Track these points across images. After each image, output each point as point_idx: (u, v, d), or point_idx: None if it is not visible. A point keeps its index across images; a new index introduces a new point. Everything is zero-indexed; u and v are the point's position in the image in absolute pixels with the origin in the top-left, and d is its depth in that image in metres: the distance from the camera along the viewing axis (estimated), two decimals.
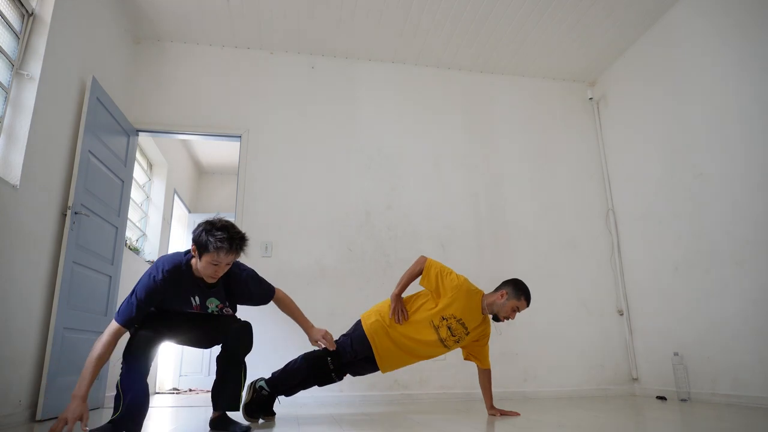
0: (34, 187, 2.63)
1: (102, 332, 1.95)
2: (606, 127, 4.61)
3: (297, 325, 2.46)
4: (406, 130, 4.36)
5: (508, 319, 2.62)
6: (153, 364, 2.14)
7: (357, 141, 4.24)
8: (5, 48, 2.60)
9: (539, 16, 3.94)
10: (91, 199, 3.12)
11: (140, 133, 3.96)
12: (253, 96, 4.18)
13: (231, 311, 2.28)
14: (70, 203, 2.89)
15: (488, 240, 4.22)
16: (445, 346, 2.62)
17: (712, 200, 3.42)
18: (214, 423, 2.22)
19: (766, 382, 2.97)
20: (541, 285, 3.96)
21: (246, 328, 2.30)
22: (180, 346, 4.88)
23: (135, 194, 4.49)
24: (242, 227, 2.16)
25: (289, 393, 2.64)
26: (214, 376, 2.29)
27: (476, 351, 2.74)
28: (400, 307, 2.62)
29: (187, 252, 2.08)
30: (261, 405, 2.52)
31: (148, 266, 3.97)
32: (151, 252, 4.71)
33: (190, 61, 4.18)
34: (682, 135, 3.71)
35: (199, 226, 2.00)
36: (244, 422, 2.30)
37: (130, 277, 3.70)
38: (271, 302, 2.38)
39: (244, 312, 2.54)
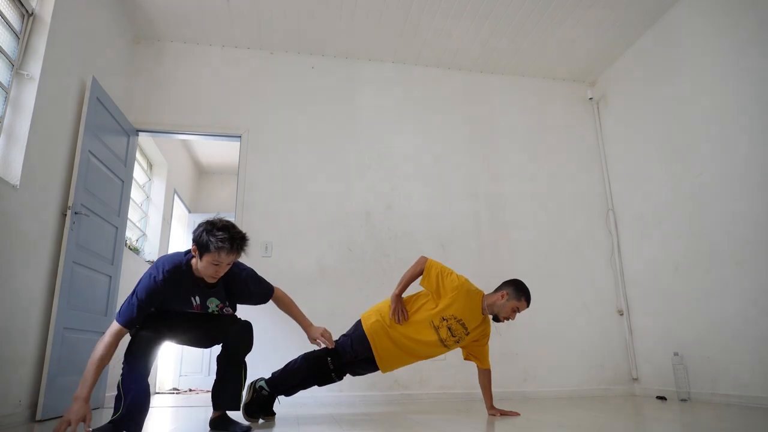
0: (34, 187, 2.63)
1: (102, 332, 1.95)
2: (606, 127, 4.61)
3: (297, 324, 2.46)
4: (406, 130, 4.36)
5: (508, 319, 2.62)
6: (153, 364, 2.14)
7: (357, 141, 4.24)
8: (5, 48, 2.60)
9: (539, 16, 3.94)
10: (91, 199, 3.12)
11: (140, 133, 3.96)
12: (253, 96, 4.18)
13: (231, 311, 2.29)
14: (70, 203, 2.88)
15: (488, 240, 4.22)
16: (445, 346, 2.62)
17: (712, 200, 3.42)
18: (214, 423, 2.22)
19: (766, 382, 2.97)
20: (541, 285, 3.96)
21: (246, 328, 2.30)
22: (180, 346, 4.89)
23: (135, 194, 4.48)
24: (242, 227, 2.16)
25: (289, 393, 2.64)
26: (214, 376, 2.29)
27: (476, 351, 2.74)
28: (400, 307, 2.62)
29: (187, 252, 2.08)
30: (261, 405, 2.52)
31: (148, 266, 3.97)
32: (151, 252, 4.71)
33: (189, 61, 4.17)
34: (682, 135, 3.71)
35: (199, 226, 2.00)
36: (244, 422, 2.30)
37: (130, 277, 3.70)
38: (270, 301, 2.38)
39: (244, 312, 2.54)
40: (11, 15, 2.65)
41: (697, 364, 3.45)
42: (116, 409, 1.93)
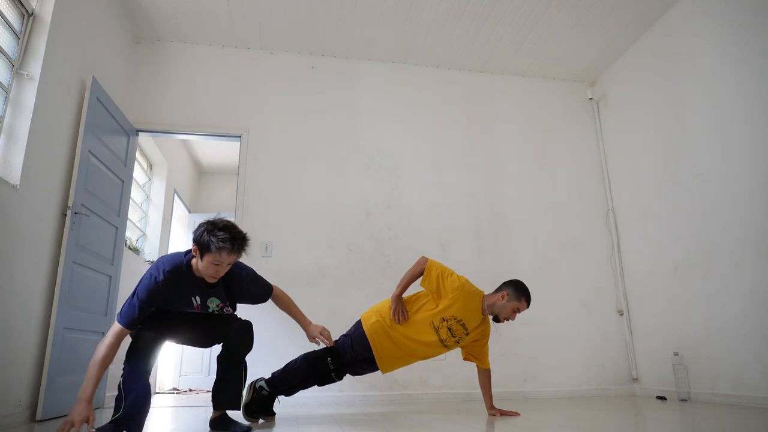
0: (34, 187, 2.63)
1: (102, 332, 1.96)
2: (606, 127, 4.61)
3: (297, 324, 2.47)
4: (406, 130, 4.36)
5: (508, 320, 2.63)
6: (154, 364, 2.15)
7: (357, 141, 4.24)
8: (5, 48, 2.60)
9: (539, 16, 3.94)
10: (91, 199, 3.12)
11: (140, 133, 3.96)
12: (253, 96, 4.18)
13: (231, 310, 2.29)
14: (70, 203, 2.88)
15: (488, 240, 4.22)
16: (445, 346, 2.62)
17: (712, 200, 3.42)
18: (214, 423, 2.22)
19: (766, 382, 2.97)
20: (541, 285, 3.96)
21: (246, 328, 2.30)
22: (180, 346, 4.89)
23: (135, 194, 4.48)
24: (242, 227, 2.16)
25: (289, 393, 2.64)
26: (214, 376, 2.29)
27: (476, 351, 2.74)
28: (400, 307, 2.62)
29: (188, 252, 2.08)
30: (261, 405, 2.52)
31: (148, 266, 3.96)
32: (151, 252, 4.71)
33: (190, 61, 4.17)
34: (682, 135, 3.71)
35: (200, 226, 2.00)
36: (244, 422, 2.30)
37: (130, 277, 3.70)
38: (270, 300, 2.39)
39: (244, 311, 2.54)
40: (11, 15, 2.65)
41: (697, 364, 3.45)
42: (117, 409, 1.93)
